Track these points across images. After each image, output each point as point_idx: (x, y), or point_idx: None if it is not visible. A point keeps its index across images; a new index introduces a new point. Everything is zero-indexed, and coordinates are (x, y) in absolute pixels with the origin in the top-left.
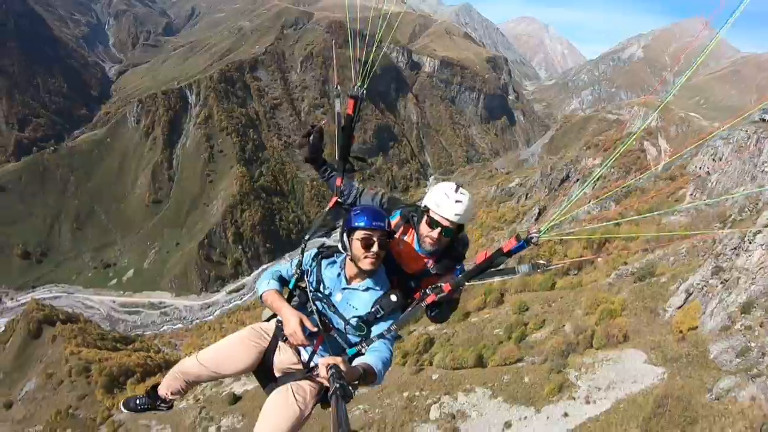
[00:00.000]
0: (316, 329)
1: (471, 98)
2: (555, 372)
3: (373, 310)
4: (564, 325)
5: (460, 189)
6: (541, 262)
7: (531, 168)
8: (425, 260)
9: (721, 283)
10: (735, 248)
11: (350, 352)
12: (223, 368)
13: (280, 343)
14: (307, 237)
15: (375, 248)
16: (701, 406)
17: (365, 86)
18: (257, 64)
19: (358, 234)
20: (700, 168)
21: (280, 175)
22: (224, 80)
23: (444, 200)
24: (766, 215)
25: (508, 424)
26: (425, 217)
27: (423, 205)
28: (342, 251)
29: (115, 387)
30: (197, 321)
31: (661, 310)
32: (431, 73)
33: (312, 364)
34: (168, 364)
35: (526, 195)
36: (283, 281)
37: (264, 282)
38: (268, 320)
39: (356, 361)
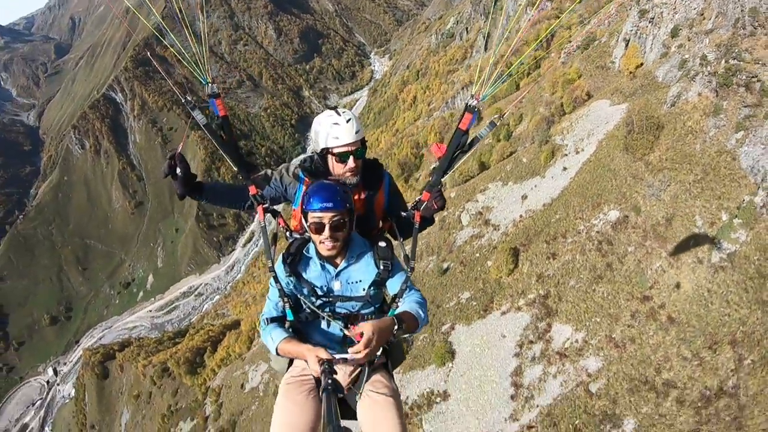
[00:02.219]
0: (339, 357)
1: None
2: (543, 143)
3: (381, 268)
4: (537, 110)
5: (338, 109)
6: (496, 117)
7: (460, 3)
8: (358, 194)
9: (650, 22)
10: None
11: (391, 313)
12: None
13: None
14: (271, 265)
15: (326, 232)
16: (662, 115)
17: (212, 77)
18: (162, 32)
19: (310, 218)
20: None
21: (234, 119)
22: (139, 64)
23: (337, 130)
24: None
25: (524, 197)
26: (331, 159)
27: (320, 150)
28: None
29: (197, 367)
30: (230, 283)
31: (609, 64)
32: None
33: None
34: (230, 326)
35: (467, 29)
36: (282, 319)
37: (268, 337)
38: (288, 367)
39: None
